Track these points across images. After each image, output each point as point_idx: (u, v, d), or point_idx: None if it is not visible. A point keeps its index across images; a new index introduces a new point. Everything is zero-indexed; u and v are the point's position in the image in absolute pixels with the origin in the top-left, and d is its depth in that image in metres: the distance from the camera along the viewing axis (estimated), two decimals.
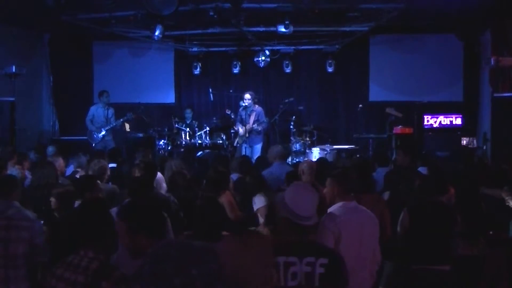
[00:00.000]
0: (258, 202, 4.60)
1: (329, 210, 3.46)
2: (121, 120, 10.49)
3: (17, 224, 3.78)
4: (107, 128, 10.39)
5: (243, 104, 10.20)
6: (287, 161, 9.17)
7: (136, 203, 2.81)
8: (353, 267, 3.24)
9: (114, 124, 10.45)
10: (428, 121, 10.71)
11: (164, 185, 4.62)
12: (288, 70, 11.83)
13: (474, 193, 4.72)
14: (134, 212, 2.52)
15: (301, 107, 11.54)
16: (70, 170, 6.97)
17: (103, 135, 10.36)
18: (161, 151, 10.67)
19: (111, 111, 10.56)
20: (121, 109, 10.75)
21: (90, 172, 5.56)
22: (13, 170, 5.74)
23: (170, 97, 12.53)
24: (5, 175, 5.07)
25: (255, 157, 8.87)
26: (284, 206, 2.61)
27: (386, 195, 5.08)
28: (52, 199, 4.33)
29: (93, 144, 10.25)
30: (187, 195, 5.19)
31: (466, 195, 4.58)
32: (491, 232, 4.35)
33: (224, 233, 3.46)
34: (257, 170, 6.19)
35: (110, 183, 5.78)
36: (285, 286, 2.47)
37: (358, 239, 3.35)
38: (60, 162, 6.49)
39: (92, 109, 10.69)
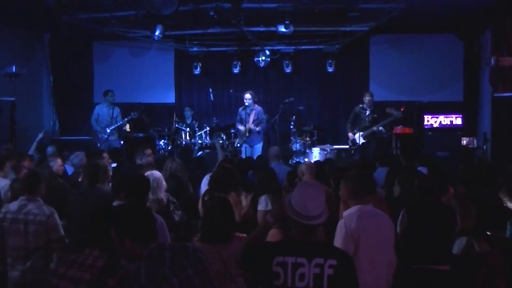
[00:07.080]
0: (261, 204, 4.62)
1: (346, 214, 3.43)
2: (126, 119, 10.46)
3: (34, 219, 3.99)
4: (112, 127, 10.34)
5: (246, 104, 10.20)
6: (289, 162, 9.20)
7: (120, 207, 2.81)
8: (373, 271, 3.26)
9: (119, 123, 10.40)
10: (428, 121, 10.71)
11: (164, 183, 4.61)
12: (288, 70, 11.82)
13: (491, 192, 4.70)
14: (117, 216, 2.52)
15: (301, 107, 11.54)
16: (69, 170, 6.95)
17: (108, 135, 10.32)
18: (161, 151, 10.66)
19: (116, 110, 10.51)
20: (121, 109, 10.71)
21: None
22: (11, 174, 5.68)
23: (170, 97, 12.53)
24: (31, 171, 5.07)
25: (256, 157, 8.87)
26: (291, 208, 2.60)
27: (381, 193, 5.07)
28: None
29: (98, 144, 10.17)
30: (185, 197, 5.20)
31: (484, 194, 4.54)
32: (488, 233, 4.34)
33: (237, 234, 3.41)
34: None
35: (110, 184, 5.75)
36: (292, 287, 2.45)
37: (377, 243, 3.33)
38: (58, 162, 6.47)
39: (97, 108, 10.64)
